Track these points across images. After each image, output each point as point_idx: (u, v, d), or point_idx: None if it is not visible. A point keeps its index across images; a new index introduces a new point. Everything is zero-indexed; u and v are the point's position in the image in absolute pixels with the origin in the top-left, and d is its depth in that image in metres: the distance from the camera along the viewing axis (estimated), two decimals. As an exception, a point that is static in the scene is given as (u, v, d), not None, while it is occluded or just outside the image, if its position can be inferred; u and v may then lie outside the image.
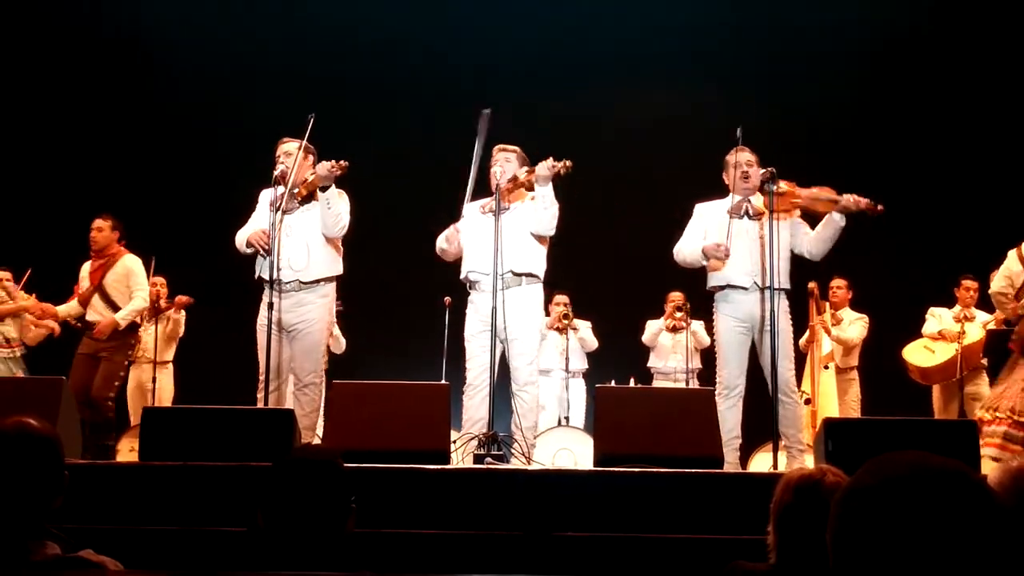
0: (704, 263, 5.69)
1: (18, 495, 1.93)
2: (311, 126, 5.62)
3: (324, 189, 5.51)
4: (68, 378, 6.76)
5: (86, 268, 6.92)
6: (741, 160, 5.65)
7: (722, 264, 5.60)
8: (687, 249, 5.76)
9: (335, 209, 5.52)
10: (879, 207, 5.47)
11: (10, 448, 1.96)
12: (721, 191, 5.81)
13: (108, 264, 6.77)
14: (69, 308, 7.00)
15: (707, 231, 5.71)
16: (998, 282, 6.13)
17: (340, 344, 7.99)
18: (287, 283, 5.50)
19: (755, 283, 5.59)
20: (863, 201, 5.47)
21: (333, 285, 5.78)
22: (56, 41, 9.81)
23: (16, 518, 1.92)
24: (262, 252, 5.52)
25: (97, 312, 6.76)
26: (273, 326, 5.47)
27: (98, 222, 6.83)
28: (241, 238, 5.70)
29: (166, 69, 9.86)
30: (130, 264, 6.79)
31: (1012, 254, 6.13)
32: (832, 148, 9.04)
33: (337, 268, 5.75)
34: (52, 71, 9.79)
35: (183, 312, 8.26)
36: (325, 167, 5.48)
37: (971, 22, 9.64)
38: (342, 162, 5.48)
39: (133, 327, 6.87)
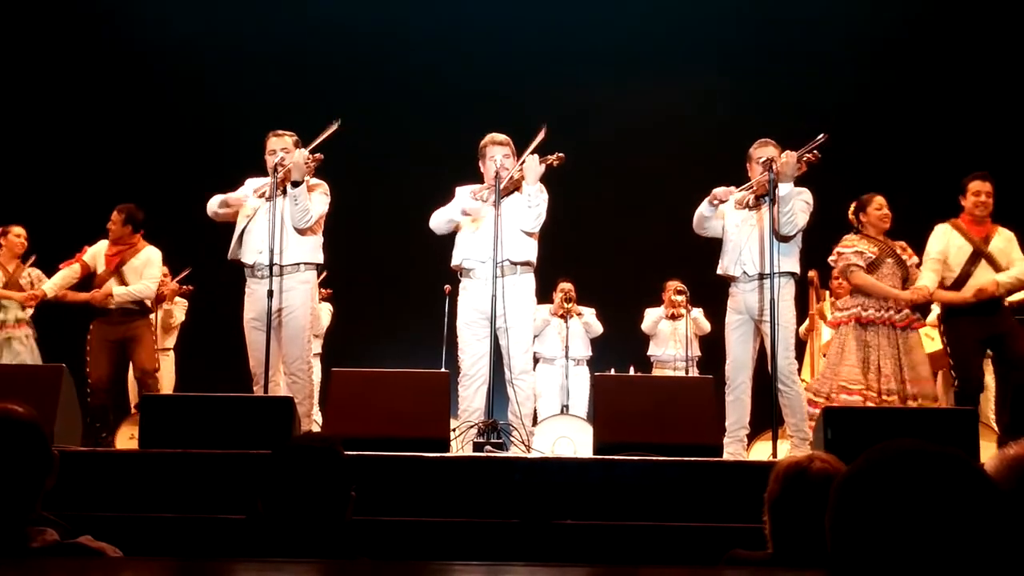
0: (711, 211, 5.71)
1: (7, 480, 1.92)
2: (334, 130, 5.65)
3: (296, 185, 5.57)
4: (89, 369, 6.85)
5: (100, 248, 6.99)
6: (764, 156, 5.64)
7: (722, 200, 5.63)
8: (697, 213, 5.79)
9: (302, 205, 5.59)
10: (815, 153, 5.48)
11: None
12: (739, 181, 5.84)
13: (128, 253, 6.93)
14: (60, 283, 6.99)
15: (703, 214, 5.77)
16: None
17: (320, 325, 7.98)
18: (266, 266, 5.53)
19: (745, 272, 5.60)
20: (803, 154, 5.47)
21: (314, 272, 5.84)
22: (56, 34, 9.80)
23: (9, 504, 1.92)
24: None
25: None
26: (273, 313, 5.50)
27: (113, 215, 6.98)
28: (219, 197, 5.83)
29: (165, 61, 9.84)
30: (150, 254, 6.98)
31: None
32: (837, 143, 9.02)
33: (317, 256, 5.80)
34: (51, 64, 9.79)
35: (181, 301, 8.28)
36: (301, 157, 5.55)
37: (976, 16, 9.61)
38: (317, 154, 5.59)
39: (144, 310, 6.97)
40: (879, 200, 5.99)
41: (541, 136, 5.48)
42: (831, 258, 6.06)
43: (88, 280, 7.02)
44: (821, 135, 5.48)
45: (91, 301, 6.90)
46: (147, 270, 6.91)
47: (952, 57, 9.59)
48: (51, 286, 6.98)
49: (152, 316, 7.25)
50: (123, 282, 6.86)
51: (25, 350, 7.12)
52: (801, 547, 2.23)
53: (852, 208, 6.10)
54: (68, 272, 7.01)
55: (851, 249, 5.91)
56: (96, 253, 7.01)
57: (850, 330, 5.83)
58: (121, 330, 6.87)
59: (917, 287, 5.84)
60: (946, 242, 6.00)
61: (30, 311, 7.21)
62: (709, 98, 9.96)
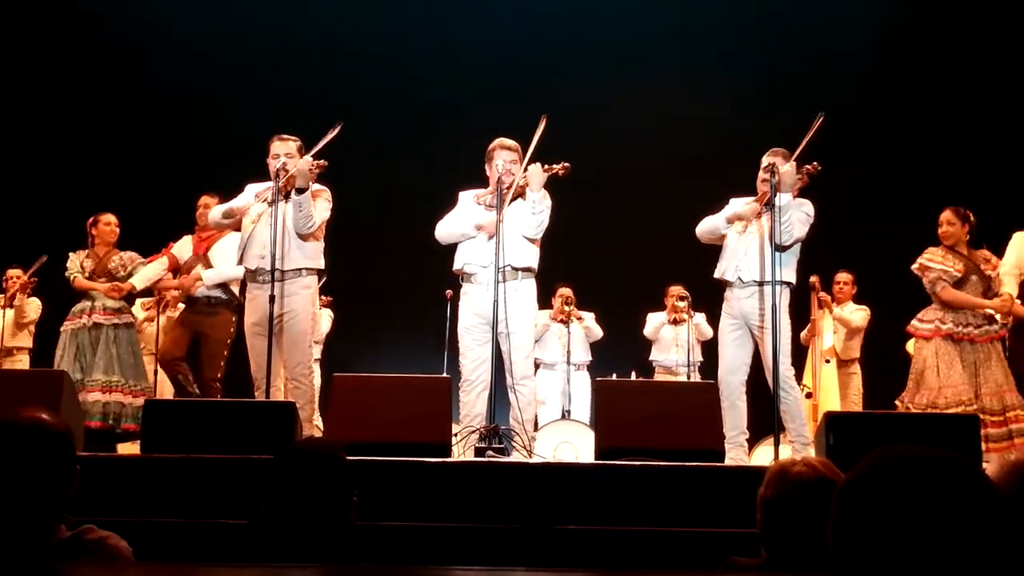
0: (724, 231, 5.73)
1: (34, 489, 1.92)
2: (336, 134, 5.63)
3: (300, 191, 5.56)
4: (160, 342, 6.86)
5: (185, 240, 6.91)
6: (766, 164, 5.66)
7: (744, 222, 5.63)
8: (709, 220, 5.80)
9: (306, 211, 5.58)
10: (814, 164, 5.48)
11: (24, 442, 1.95)
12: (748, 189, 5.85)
13: (214, 238, 6.77)
14: (149, 276, 6.95)
15: (719, 229, 5.77)
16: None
17: (319, 331, 7.90)
18: (268, 272, 5.53)
19: (740, 278, 5.60)
20: (802, 167, 5.47)
21: (315, 278, 5.83)
22: (55, 37, 9.82)
23: (33, 511, 1.92)
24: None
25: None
26: (274, 318, 5.50)
27: (205, 199, 6.81)
28: (220, 208, 5.87)
29: (164, 64, 9.86)
30: (236, 239, 6.57)
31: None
32: (839, 143, 9.02)
33: (319, 262, 5.79)
34: (52, 67, 9.80)
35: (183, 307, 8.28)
36: (305, 163, 5.54)
37: (979, 18, 9.61)
38: (321, 161, 5.56)
39: (231, 300, 6.71)
40: (941, 216, 5.98)
41: (542, 127, 5.43)
42: (914, 267, 6.01)
43: (175, 275, 6.96)
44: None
45: (180, 289, 6.79)
46: (234, 251, 6.52)
47: (960, 58, 9.58)
48: (140, 278, 6.90)
49: (234, 312, 6.80)
50: (210, 266, 6.70)
51: (127, 349, 6.90)
52: (789, 551, 2.24)
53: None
54: (157, 266, 6.93)
55: (939, 266, 5.87)
56: (181, 246, 6.91)
57: (944, 345, 5.78)
58: (199, 320, 6.69)
59: (1003, 296, 5.80)
60: (1020, 250, 5.95)
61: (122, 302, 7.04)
62: (711, 101, 9.96)
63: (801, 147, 5.51)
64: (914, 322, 6.03)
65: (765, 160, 5.70)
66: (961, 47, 9.56)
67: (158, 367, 7.66)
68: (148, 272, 6.93)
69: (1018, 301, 5.92)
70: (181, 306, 8.17)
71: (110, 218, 7.13)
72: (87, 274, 6.95)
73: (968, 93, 9.53)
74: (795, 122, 5.58)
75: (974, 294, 5.87)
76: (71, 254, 7.08)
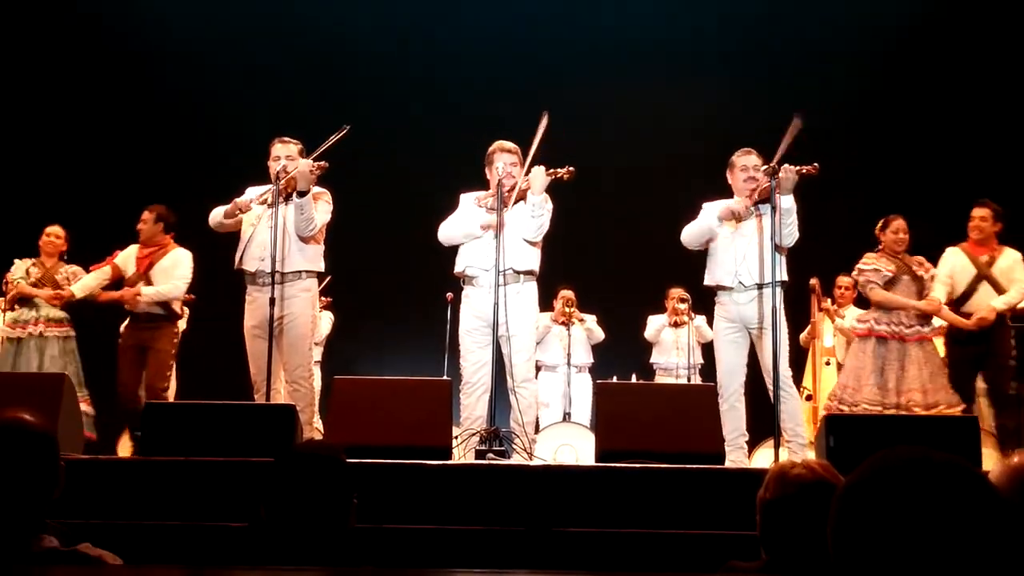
0: (718, 230, 5.65)
1: (17, 490, 1.93)
2: (342, 136, 5.62)
3: (301, 194, 5.56)
4: (119, 373, 6.75)
5: (131, 251, 6.88)
6: (748, 164, 5.63)
7: (737, 218, 5.61)
8: (696, 225, 5.73)
9: (307, 215, 5.59)
10: (814, 165, 5.44)
11: (6, 443, 1.96)
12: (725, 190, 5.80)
13: (158, 254, 6.76)
14: (90, 285, 6.94)
15: (712, 228, 5.69)
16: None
17: (320, 333, 7.91)
18: (268, 274, 5.53)
19: (740, 282, 5.58)
20: (802, 169, 5.43)
21: (315, 280, 5.84)
22: (54, 38, 9.82)
23: (16, 512, 1.93)
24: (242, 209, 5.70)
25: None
26: (274, 321, 5.50)
27: (144, 214, 6.82)
28: (222, 208, 5.82)
29: (165, 66, 9.86)
30: (179, 255, 6.76)
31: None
32: (839, 143, 9.03)
33: (319, 264, 5.79)
34: (51, 67, 9.80)
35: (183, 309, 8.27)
36: (305, 166, 5.53)
37: (980, 18, 9.60)
38: (322, 163, 5.56)
39: (171, 315, 6.78)
40: (896, 224, 6.35)
41: (543, 125, 5.40)
42: (853, 273, 6.45)
43: (119, 284, 6.91)
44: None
45: (121, 300, 6.77)
46: (176, 270, 6.68)
47: (962, 60, 9.57)
48: (80, 287, 6.89)
49: (179, 324, 7.02)
50: (151, 284, 6.68)
51: (59, 351, 6.91)
52: (789, 553, 2.23)
53: (879, 225, 6.43)
54: (99, 274, 6.91)
55: (871, 267, 6.28)
56: (127, 256, 6.87)
57: (870, 345, 6.21)
58: (144, 336, 6.69)
59: (931, 298, 6.22)
60: (952, 264, 6.42)
61: (63, 312, 7.03)
62: (711, 101, 9.96)
63: (780, 153, 5.46)
64: (853, 322, 6.52)
65: (741, 160, 5.68)
66: (962, 47, 9.55)
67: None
68: (89, 281, 6.93)
69: (946, 308, 6.31)
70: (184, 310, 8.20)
71: (52, 230, 7.17)
72: (32, 281, 7.00)
73: (970, 93, 9.51)
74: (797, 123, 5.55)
75: (907, 295, 6.23)
76: (16, 260, 7.12)
